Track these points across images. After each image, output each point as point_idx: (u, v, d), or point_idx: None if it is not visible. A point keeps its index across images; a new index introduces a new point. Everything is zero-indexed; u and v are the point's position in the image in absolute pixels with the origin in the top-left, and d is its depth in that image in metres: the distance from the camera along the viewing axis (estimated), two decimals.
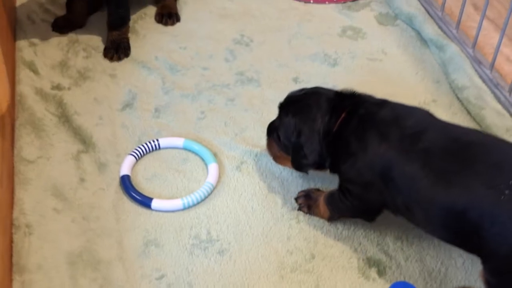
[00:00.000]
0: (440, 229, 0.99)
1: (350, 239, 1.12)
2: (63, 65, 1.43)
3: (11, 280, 1.01)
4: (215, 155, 1.24)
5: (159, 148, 1.26)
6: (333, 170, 1.11)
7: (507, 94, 1.40)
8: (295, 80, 1.44)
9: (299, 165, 1.13)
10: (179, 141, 1.26)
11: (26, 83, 1.36)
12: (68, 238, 1.08)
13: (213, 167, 1.21)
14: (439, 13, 1.62)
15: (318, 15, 1.65)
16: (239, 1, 1.68)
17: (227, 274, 1.05)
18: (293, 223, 1.14)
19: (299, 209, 1.16)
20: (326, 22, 1.62)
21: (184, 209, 1.14)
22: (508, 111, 1.38)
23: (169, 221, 1.13)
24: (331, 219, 1.14)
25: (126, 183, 1.17)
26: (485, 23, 1.56)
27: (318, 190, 1.18)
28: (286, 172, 1.22)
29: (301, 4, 1.69)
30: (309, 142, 1.08)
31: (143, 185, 1.19)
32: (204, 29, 1.59)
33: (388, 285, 1.05)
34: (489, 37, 1.61)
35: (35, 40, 1.49)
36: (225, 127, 1.31)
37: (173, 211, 1.14)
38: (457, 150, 0.97)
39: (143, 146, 1.25)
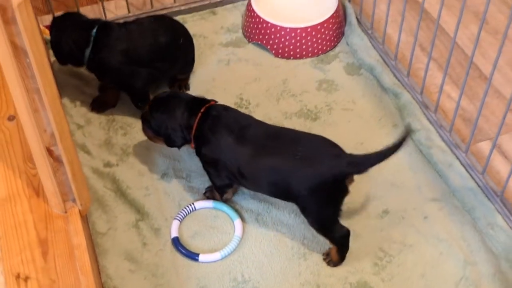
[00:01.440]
0: (265, 187, 1.57)
1: (342, 269, 1.58)
2: (107, 143, 1.84)
3: None
4: (237, 211, 1.69)
5: (195, 209, 1.69)
6: (197, 154, 1.64)
7: (448, 134, 1.84)
8: None
9: (171, 146, 1.66)
10: (209, 203, 1.70)
11: (85, 164, 1.76)
12: None
13: (238, 222, 1.65)
14: (393, 62, 2.04)
15: (297, 71, 2.06)
16: (231, 65, 2.08)
17: None
18: (301, 261, 1.59)
19: (207, 197, 1.72)
20: (304, 78, 2.03)
21: (222, 259, 1.59)
22: (450, 148, 1.83)
23: (213, 270, 1.57)
24: (221, 195, 1.69)
25: (176, 244, 1.61)
26: (430, 63, 1.98)
27: None
28: (291, 219, 1.67)
29: (283, 60, 2.10)
30: (174, 133, 1.62)
31: (189, 242, 1.63)
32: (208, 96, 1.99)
33: None
34: (433, 76, 2.05)
35: (81, 122, 1.88)
36: (241, 187, 1.74)
37: (214, 262, 1.59)
38: (270, 135, 1.55)
39: (183, 210, 1.68)
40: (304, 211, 1.55)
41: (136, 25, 1.89)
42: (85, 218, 1.56)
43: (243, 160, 1.54)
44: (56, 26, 1.87)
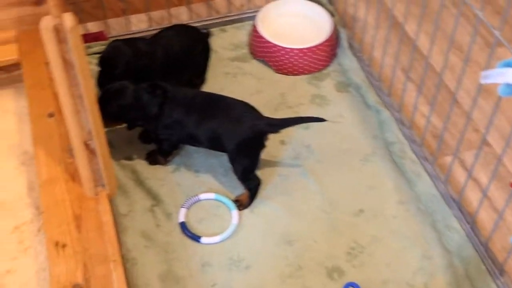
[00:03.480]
0: (206, 142, 1.99)
1: (321, 255, 1.90)
2: (129, 142, 2.15)
3: None
4: (235, 203, 2.01)
5: (199, 200, 2.01)
6: (154, 128, 2.03)
7: (418, 148, 2.16)
8: (282, 142, 2.18)
9: (132, 127, 2.07)
10: (211, 195, 2.02)
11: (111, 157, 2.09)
12: (157, 264, 1.85)
13: (235, 212, 1.97)
14: (377, 83, 2.37)
15: (294, 86, 2.38)
16: (238, 77, 2.40)
17: (251, 280, 1.83)
18: (287, 246, 1.91)
19: (149, 162, 2.12)
20: (300, 92, 2.35)
21: (221, 241, 1.91)
22: (419, 160, 2.15)
23: (213, 250, 1.90)
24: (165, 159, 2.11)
25: (183, 227, 1.94)
26: (408, 84, 2.30)
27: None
28: (280, 212, 1.99)
29: (283, 76, 2.42)
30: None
31: (195, 227, 1.95)
32: None
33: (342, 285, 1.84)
34: (411, 96, 2.37)
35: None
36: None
37: (214, 243, 1.91)
38: (212, 102, 1.99)
39: (190, 199, 2.00)
40: (232, 161, 1.97)
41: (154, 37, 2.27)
42: (111, 201, 1.88)
43: (192, 123, 1.97)
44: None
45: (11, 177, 2.05)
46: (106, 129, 1.78)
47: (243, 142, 1.95)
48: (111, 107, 1.96)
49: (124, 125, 2.07)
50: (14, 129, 2.19)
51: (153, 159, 2.11)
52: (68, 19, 1.52)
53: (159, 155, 2.10)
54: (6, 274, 1.81)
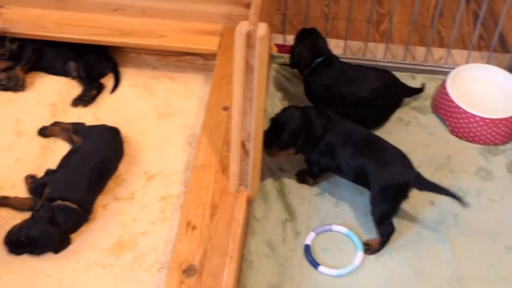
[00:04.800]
0: (352, 176, 2.05)
1: None
2: (288, 155, 2.25)
3: None
4: (364, 245, 2.01)
5: (331, 230, 2.05)
6: (307, 151, 2.12)
7: None
8: (432, 202, 2.14)
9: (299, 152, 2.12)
10: (344, 229, 2.04)
11: (264, 162, 2.19)
12: (270, 275, 1.92)
13: (360, 253, 1.98)
14: None
15: (464, 152, 2.31)
16: (410, 126, 2.39)
17: None
18: None
19: (297, 179, 2.20)
20: (468, 160, 2.28)
21: (337, 276, 1.94)
22: None
23: (327, 281, 1.93)
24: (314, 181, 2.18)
25: (306, 250, 1.99)
26: None
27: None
28: (404, 269, 1.96)
29: (455, 138, 2.36)
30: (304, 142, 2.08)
31: (318, 253, 1.99)
32: None
33: None
34: None
35: None
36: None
37: (329, 275, 1.94)
38: (368, 141, 2.05)
39: (323, 226, 2.04)
40: (372, 202, 2.00)
41: (352, 70, 2.32)
42: (249, 202, 1.98)
43: (344, 157, 2.03)
44: (300, 37, 2.38)
45: (176, 153, 2.24)
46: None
47: (387, 187, 1.96)
48: (283, 135, 2.04)
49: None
50: (193, 111, 2.39)
51: (302, 178, 2.18)
52: (262, 29, 1.64)
53: (308, 176, 2.17)
54: (141, 235, 1.99)
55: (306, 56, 2.31)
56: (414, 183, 1.96)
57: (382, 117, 2.38)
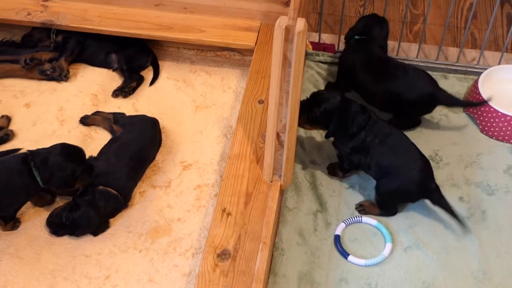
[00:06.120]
0: (376, 175, 2.11)
1: None
2: (319, 148, 2.31)
3: (268, 277, 1.94)
4: (392, 235, 2.06)
5: (361, 222, 2.10)
6: (341, 144, 2.15)
7: None
8: (461, 198, 2.18)
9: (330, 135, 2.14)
10: (373, 221, 2.10)
11: (298, 155, 2.25)
12: (301, 262, 1.99)
13: (389, 245, 2.03)
14: None
15: (494, 150, 2.34)
16: (441, 124, 2.43)
17: None
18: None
19: (328, 172, 2.26)
20: (497, 158, 2.31)
21: (366, 266, 1.99)
22: None
23: (355, 270, 1.98)
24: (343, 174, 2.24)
25: (336, 240, 2.05)
26: None
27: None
28: (431, 261, 2.00)
29: (486, 137, 2.40)
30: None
31: (347, 243, 2.05)
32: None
33: None
34: None
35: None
36: (405, 219, 2.11)
37: (358, 265, 1.99)
38: (401, 144, 2.10)
39: (352, 218, 2.10)
40: (380, 198, 2.11)
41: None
42: (281, 192, 2.05)
43: (377, 157, 2.07)
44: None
45: (211, 143, 2.32)
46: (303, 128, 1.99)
47: (400, 191, 2.07)
48: (316, 109, 2.08)
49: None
50: (229, 104, 2.46)
51: (332, 170, 2.24)
52: (300, 24, 1.70)
53: (338, 169, 2.23)
54: (177, 221, 2.07)
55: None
56: (429, 195, 2.07)
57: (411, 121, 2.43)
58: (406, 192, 2.08)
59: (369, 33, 2.42)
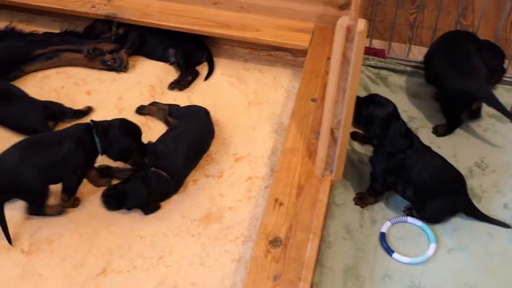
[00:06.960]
0: (413, 198, 2.16)
1: None
2: (367, 148, 2.38)
3: (315, 267, 2.00)
4: (437, 237, 2.12)
5: (406, 221, 2.16)
6: (380, 160, 2.15)
7: None
8: (505, 205, 2.22)
9: (370, 138, 2.15)
10: (419, 222, 2.15)
11: (348, 153, 2.32)
12: (347, 256, 2.05)
13: (433, 245, 2.08)
14: None
15: None
16: (487, 133, 2.47)
17: None
18: None
19: (357, 203, 2.22)
20: None
21: (409, 264, 2.04)
22: None
23: (399, 267, 2.04)
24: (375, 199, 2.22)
25: (382, 237, 2.11)
26: None
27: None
28: (473, 264, 2.05)
29: None
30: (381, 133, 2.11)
31: (392, 241, 2.11)
32: (458, 151, 2.42)
33: None
34: None
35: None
36: (449, 223, 2.16)
37: (402, 263, 2.05)
38: (445, 174, 2.16)
39: (398, 218, 2.16)
40: (418, 208, 2.17)
41: None
42: (331, 186, 2.12)
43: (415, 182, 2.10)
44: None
45: (263, 139, 2.40)
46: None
47: (437, 210, 2.14)
48: (365, 108, 2.09)
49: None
50: (280, 102, 2.54)
51: (360, 201, 2.21)
52: (361, 24, 1.77)
53: (369, 194, 2.20)
54: (228, 209, 2.15)
55: None
56: (466, 212, 2.17)
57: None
58: (453, 210, 2.17)
59: None
